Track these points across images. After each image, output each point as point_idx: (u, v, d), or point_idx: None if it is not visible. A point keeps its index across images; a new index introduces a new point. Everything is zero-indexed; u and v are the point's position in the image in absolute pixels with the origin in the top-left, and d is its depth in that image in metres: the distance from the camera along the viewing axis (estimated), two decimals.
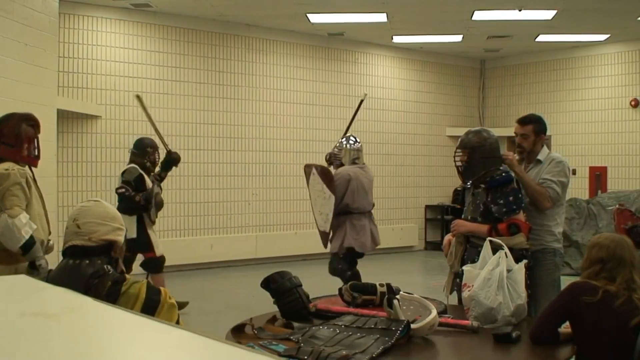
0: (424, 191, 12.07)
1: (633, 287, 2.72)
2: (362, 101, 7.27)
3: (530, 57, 12.19)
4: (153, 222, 6.31)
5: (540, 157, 4.04)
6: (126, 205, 5.94)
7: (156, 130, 6.75)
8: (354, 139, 6.28)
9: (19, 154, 3.63)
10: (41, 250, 3.57)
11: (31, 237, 3.47)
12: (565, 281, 3.27)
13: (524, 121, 4.09)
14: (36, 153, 3.75)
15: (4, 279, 1.19)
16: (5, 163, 3.56)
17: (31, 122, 3.70)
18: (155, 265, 6.25)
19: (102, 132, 8.84)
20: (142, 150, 6.27)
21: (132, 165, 6.18)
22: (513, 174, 3.78)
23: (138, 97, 6.91)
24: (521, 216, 3.64)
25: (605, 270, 2.76)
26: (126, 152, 8.96)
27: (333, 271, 6.21)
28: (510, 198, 3.60)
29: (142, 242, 6.11)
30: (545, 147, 4.11)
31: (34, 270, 3.48)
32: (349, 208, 6.02)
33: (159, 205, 6.35)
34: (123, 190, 6.04)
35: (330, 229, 6.06)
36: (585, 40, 10.97)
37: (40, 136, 3.81)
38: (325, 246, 6.26)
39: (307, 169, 6.40)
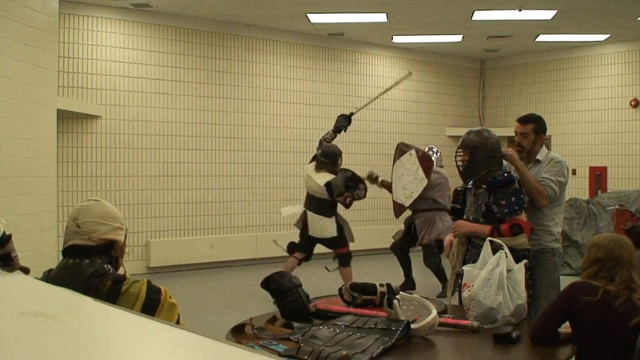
0: None
1: (632, 286, 2.72)
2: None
3: (530, 57, 12.19)
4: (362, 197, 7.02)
5: (539, 157, 4.04)
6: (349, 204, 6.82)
7: None
8: (436, 148, 7.67)
9: None
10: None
11: (4, 232, 3.53)
12: (565, 281, 3.27)
13: (524, 120, 4.10)
14: None
15: (4, 279, 1.19)
16: None
17: None
18: (347, 258, 6.88)
19: (102, 132, 8.84)
20: (334, 159, 6.90)
21: (334, 177, 6.79)
22: (514, 173, 3.78)
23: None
24: (523, 217, 3.64)
25: (604, 270, 2.76)
26: (126, 152, 9.02)
27: (430, 262, 7.35)
28: (513, 198, 3.59)
29: (340, 239, 6.84)
30: (544, 147, 4.12)
31: (6, 264, 3.48)
32: (438, 205, 7.06)
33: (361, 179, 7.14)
34: (349, 195, 6.79)
35: (422, 221, 7.17)
36: (585, 40, 10.97)
37: (40, 136, 3.83)
38: (397, 216, 7.30)
39: (404, 146, 7.35)
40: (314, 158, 7.02)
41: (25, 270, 2.15)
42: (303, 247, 6.96)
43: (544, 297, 3.72)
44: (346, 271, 6.87)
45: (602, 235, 2.98)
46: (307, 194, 6.94)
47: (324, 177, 6.75)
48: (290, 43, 10.55)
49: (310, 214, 6.85)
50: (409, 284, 7.38)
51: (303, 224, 6.98)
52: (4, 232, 3.54)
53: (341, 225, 6.92)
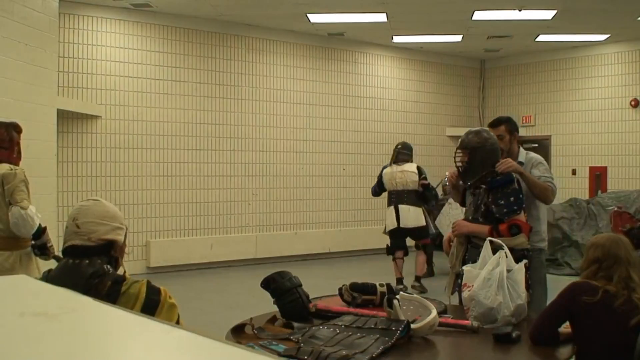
0: None
1: (632, 285, 2.72)
2: None
3: (530, 57, 12.19)
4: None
5: (520, 158, 4.11)
6: (433, 193, 7.51)
7: None
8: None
9: (12, 155, 4.16)
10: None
11: (39, 224, 4.08)
12: (565, 281, 3.27)
13: (495, 123, 4.20)
14: (19, 155, 4.34)
15: (4, 279, 1.19)
16: (5, 164, 4.06)
17: (18, 129, 4.26)
18: (431, 248, 7.62)
19: (102, 132, 8.84)
20: (412, 150, 7.75)
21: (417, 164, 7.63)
22: (515, 175, 3.79)
23: None
24: (522, 217, 3.63)
25: (602, 270, 2.77)
26: (126, 152, 9.02)
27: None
28: (512, 198, 3.59)
29: (427, 230, 7.60)
30: (521, 148, 4.20)
31: (43, 253, 4.12)
32: None
33: None
34: (428, 182, 7.48)
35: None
36: (585, 40, 10.97)
37: (40, 136, 4.06)
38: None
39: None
40: (393, 161, 7.61)
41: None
42: (399, 245, 7.53)
43: (534, 294, 3.75)
44: (424, 259, 7.65)
45: (600, 236, 3.00)
46: (396, 191, 7.46)
47: (412, 165, 7.54)
48: (290, 43, 10.54)
49: (402, 206, 7.41)
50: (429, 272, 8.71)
51: (395, 219, 7.46)
52: (40, 224, 4.07)
53: (426, 218, 7.59)
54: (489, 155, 3.73)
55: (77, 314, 0.92)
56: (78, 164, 8.66)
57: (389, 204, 7.50)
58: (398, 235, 7.53)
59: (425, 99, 12.17)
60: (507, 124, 4.15)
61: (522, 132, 12.38)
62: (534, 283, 3.87)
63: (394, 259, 7.54)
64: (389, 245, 7.62)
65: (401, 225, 7.39)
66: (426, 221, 7.55)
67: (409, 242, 7.78)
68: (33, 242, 4.12)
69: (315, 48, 10.85)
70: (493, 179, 3.64)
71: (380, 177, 7.59)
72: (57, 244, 4.10)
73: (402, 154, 7.61)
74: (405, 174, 7.43)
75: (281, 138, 10.39)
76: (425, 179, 7.42)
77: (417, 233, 7.52)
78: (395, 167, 7.53)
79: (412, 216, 7.41)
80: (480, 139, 3.76)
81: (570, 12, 9.03)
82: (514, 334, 2.69)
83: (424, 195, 7.42)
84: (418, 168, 7.46)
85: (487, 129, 4.01)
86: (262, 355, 0.76)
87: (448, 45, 11.59)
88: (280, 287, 3.03)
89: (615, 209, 8.59)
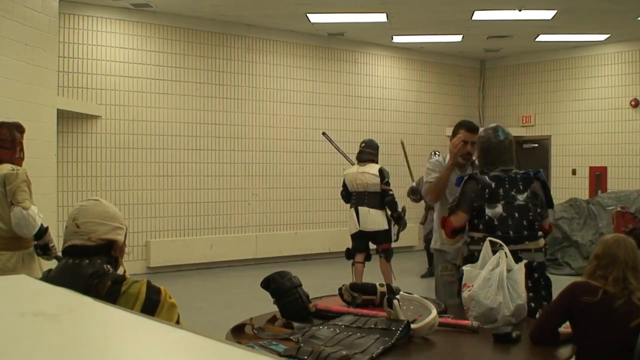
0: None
1: (630, 287, 2.71)
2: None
3: (530, 57, 12.19)
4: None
5: None
6: (387, 200, 6.90)
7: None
8: (439, 153, 8.80)
9: (14, 155, 4.19)
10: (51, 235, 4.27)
11: (41, 225, 4.11)
12: (565, 281, 3.28)
13: (476, 128, 4.12)
14: (22, 155, 4.38)
15: (4, 278, 1.19)
16: (7, 164, 4.08)
17: (21, 129, 4.30)
18: (391, 253, 7.09)
19: (102, 132, 8.84)
20: (377, 149, 7.24)
21: (380, 166, 7.06)
22: (467, 175, 3.83)
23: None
24: (460, 217, 3.63)
25: (600, 268, 2.77)
26: (126, 152, 9.03)
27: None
28: (457, 195, 3.71)
29: (388, 235, 7.06)
30: None
31: (45, 253, 4.14)
32: None
33: None
34: (393, 193, 6.98)
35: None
36: (585, 40, 10.98)
37: (40, 136, 4.06)
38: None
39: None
40: (358, 160, 7.18)
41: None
42: (359, 247, 7.05)
43: (438, 297, 3.92)
44: (388, 267, 7.06)
45: (611, 234, 3.01)
46: (357, 193, 6.99)
47: (373, 167, 7.00)
48: (290, 43, 10.55)
49: (362, 208, 6.95)
50: (430, 272, 8.68)
51: (357, 222, 7.03)
52: (42, 224, 4.11)
53: (390, 221, 7.07)
54: (480, 152, 3.84)
55: (77, 314, 0.92)
56: (78, 164, 8.66)
57: (350, 206, 7.06)
58: (359, 237, 7.04)
59: (425, 99, 12.17)
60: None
61: (522, 132, 12.41)
62: (437, 285, 3.99)
63: (353, 264, 7.05)
64: (349, 248, 7.13)
65: (361, 228, 6.94)
66: (389, 226, 7.03)
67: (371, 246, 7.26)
68: (35, 242, 4.12)
69: (315, 48, 10.85)
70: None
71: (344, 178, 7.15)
72: (57, 244, 4.10)
73: (365, 152, 7.10)
74: (366, 175, 6.95)
75: (281, 138, 10.39)
76: (388, 183, 6.90)
77: (378, 237, 7.02)
78: (357, 168, 7.08)
79: (373, 219, 6.93)
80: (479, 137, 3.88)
81: (570, 12, 9.03)
82: (514, 334, 2.69)
83: (383, 200, 6.92)
84: (380, 171, 6.92)
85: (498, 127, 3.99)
86: (262, 355, 0.76)
87: (448, 45, 11.59)
88: (280, 287, 3.03)
89: (618, 209, 8.58)
